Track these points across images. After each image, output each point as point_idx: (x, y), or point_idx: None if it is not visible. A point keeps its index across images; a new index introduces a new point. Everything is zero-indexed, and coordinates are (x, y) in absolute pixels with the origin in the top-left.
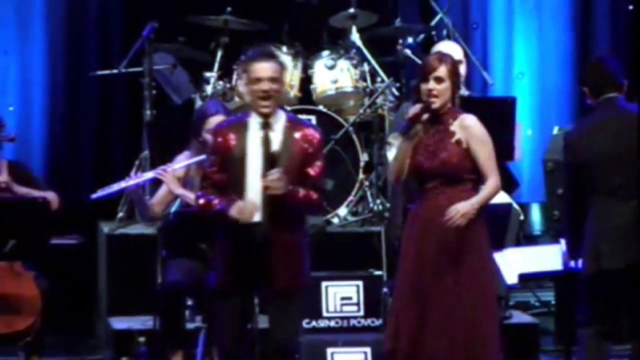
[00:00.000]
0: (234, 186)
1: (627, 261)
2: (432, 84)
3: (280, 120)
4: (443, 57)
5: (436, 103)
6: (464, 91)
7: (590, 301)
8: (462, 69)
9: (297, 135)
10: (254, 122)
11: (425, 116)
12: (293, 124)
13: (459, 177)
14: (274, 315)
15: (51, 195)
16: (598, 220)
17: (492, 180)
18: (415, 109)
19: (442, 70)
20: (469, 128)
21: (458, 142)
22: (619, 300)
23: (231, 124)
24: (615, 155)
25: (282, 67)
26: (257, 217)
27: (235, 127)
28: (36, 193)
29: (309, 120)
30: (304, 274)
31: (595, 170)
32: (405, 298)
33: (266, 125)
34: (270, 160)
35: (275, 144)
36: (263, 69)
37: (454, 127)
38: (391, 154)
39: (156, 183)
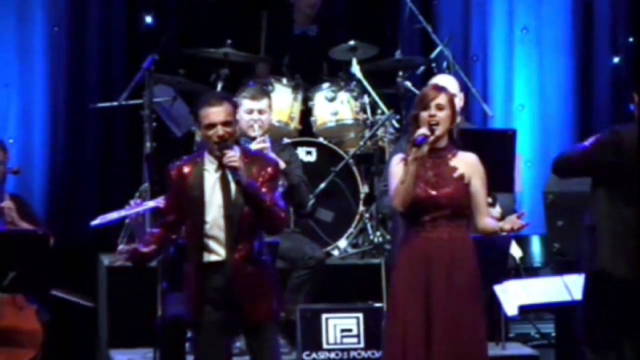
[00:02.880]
0: (194, 223)
1: None
2: (433, 111)
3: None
4: (442, 87)
5: (438, 130)
6: (464, 123)
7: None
8: (458, 102)
9: (254, 169)
10: (209, 162)
11: (432, 138)
12: (249, 158)
13: (461, 212)
14: (252, 348)
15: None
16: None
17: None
18: (423, 130)
19: (442, 98)
20: (473, 165)
21: (461, 177)
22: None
23: (185, 163)
24: None
25: (234, 106)
26: (222, 254)
27: (190, 165)
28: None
29: (309, 152)
30: (274, 305)
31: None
32: (411, 338)
33: (222, 167)
34: (230, 199)
35: (234, 183)
36: (215, 113)
37: (455, 162)
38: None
39: (157, 213)
